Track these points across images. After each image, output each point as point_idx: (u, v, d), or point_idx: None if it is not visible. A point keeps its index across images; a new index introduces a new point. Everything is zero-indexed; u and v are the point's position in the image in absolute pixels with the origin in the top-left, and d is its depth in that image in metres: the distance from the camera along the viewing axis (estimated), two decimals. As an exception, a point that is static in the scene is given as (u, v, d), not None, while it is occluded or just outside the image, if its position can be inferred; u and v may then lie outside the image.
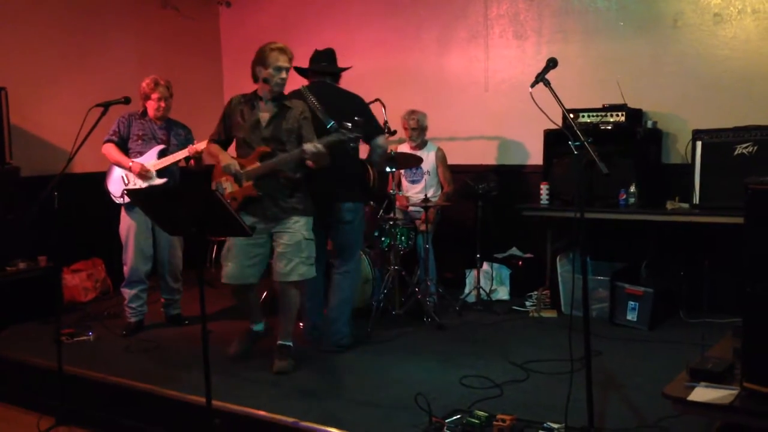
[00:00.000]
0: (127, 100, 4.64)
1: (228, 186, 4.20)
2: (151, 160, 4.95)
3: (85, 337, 4.92)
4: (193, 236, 3.25)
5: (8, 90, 5.39)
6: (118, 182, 4.97)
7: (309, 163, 4.09)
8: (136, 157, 4.96)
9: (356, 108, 4.47)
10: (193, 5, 7.44)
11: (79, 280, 5.97)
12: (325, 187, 4.42)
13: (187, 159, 5.00)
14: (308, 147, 3.98)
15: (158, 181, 4.95)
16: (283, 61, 4.12)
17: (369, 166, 4.75)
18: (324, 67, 4.68)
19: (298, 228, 4.15)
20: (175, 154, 4.96)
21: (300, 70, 4.76)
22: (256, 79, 4.21)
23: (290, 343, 4.26)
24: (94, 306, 5.81)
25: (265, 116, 4.18)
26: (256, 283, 4.30)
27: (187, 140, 5.09)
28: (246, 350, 4.44)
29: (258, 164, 4.11)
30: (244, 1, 7.61)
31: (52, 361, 4.00)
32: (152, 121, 5.04)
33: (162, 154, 4.97)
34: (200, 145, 4.89)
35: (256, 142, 4.15)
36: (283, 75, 4.15)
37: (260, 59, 4.15)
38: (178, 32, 7.29)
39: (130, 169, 4.91)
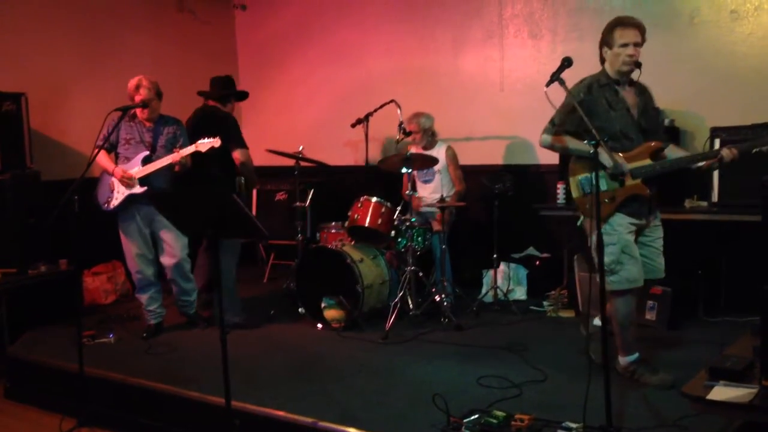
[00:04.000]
0: (144, 104, 4.70)
1: (604, 184, 3.72)
2: (135, 167, 4.80)
3: (106, 339, 4.97)
4: (210, 238, 3.28)
5: (28, 95, 5.46)
6: (105, 190, 4.87)
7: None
8: (123, 162, 4.84)
9: (219, 123, 5.22)
10: (208, 9, 7.50)
11: (99, 283, 6.04)
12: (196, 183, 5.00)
13: (171, 166, 4.78)
14: (726, 153, 3.61)
15: (139, 190, 4.76)
16: (630, 37, 3.69)
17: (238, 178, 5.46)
18: (209, 93, 5.51)
19: (660, 224, 3.91)
20: (156, 162, 4.76)
21: (201, 93, 5.57)
22: (603, 60, 3.84)
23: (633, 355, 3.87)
24: (114, 308, 5.87)
25: (632, 102, 3.78)
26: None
27: (176, 138, 4.91)
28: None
29: (649, 161, 3.69)
30: (259, 4, 7.65)
31: (73, 362, 4.07)
32: (141, 123, 4.90)
33: (146, 161, 4.80)
34: (185, 151, 4.70)
35: (633, 133, 3.73)
36: (630, 51, 3.68)
37: (604, 39, 3.79)
38: (194, 36, 7.35)
39: (113, 175, 4.80)
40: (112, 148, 4.91)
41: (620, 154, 3.69)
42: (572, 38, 5.80)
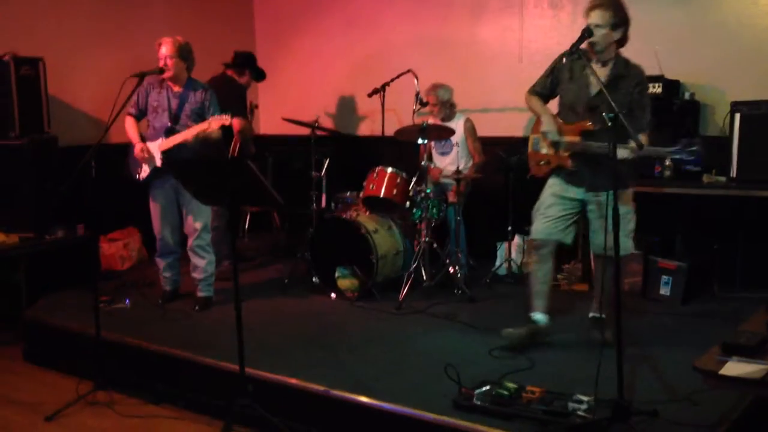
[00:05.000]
0: (161, 70, 4.68)
1: (544, 147, 4.05)
2: (159, 139, 4.73)
3: (122, 305, 5.02)
4: (228, 206, 3.29)
5: (46, 60, 5.45)
6: (135, 161, 4.82)
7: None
8: (151, 132, 4.79)
9: (229, 89, 5.69)
10: (226, -24, 7.44)
11: (115, 249, 6.08)
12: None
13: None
14: (622, 153, 3.50)
15: (158, 162, 4.72)
16: (592, 18, 3.70)
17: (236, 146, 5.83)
18: (229, 63, 5.99)
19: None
20: (176, 137, 4.65)
21: (225, 64, 6.01)
22: None
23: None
24: (130, 274, 5.91)
25: (594, 81, 3.74)
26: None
27: (203, 107, 4.78)
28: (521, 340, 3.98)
29: (577, 138, 3.81)
30: (276, -29, 7.59)
31: (90, 327, 4.11)
32: (169, 88, 4.79)
33: (169, 132, 4.71)
34: (196, 129, 4.58)
35: (581, 108, 3.80)
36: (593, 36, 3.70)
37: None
38: (211, 4, 7.29)
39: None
40: (141, 115, 4.87)
41: (559, 123, 3.94)
42: (593, 9, 5.69)
